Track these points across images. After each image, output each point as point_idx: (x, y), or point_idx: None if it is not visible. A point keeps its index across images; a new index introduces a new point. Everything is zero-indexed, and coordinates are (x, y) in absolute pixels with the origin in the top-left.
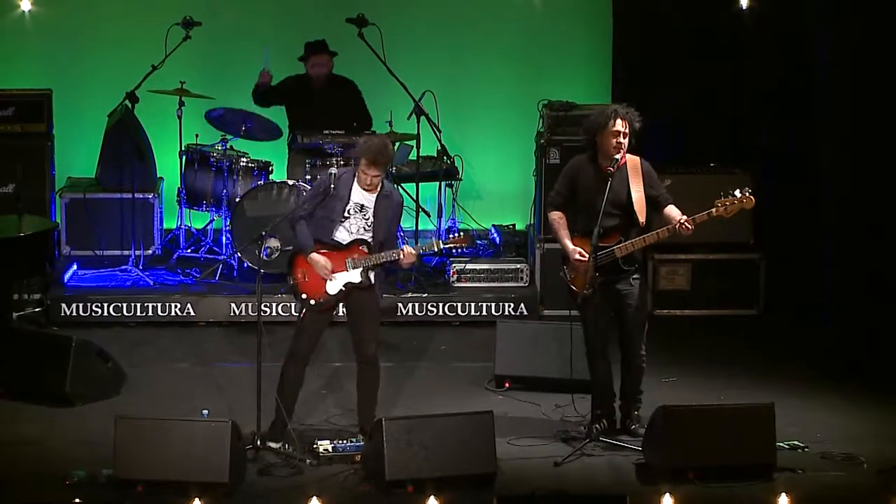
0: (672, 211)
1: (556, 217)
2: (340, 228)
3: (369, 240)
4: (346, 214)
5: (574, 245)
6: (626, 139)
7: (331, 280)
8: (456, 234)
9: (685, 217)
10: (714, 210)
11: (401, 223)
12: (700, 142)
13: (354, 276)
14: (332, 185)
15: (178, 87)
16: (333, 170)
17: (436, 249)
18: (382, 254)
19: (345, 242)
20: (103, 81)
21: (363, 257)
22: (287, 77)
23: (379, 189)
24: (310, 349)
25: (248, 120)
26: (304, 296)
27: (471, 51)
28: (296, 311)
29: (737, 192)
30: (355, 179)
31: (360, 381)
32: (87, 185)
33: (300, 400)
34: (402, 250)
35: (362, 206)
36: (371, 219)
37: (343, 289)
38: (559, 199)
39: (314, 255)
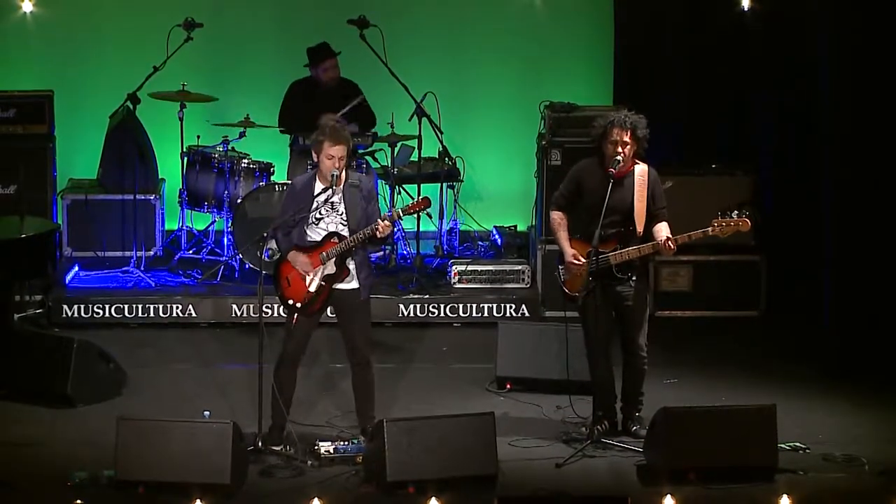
0: (662, 227)
1: (557, 217)
2: (317, 230)
3: (345, 233)
4: (318, 216)
5: (572, 248)
6: (628, 147)
7: (310, 277)
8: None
9: (670, 237)
10: (710, 229)
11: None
12: (700, 142)
13: (330, 267)
14: (296, 193)
15: (180, 88)
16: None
17: (395, 217)
18: (350, 238)
19: (319, 240)
20: (105, 83)
21: (334, 247)
22: (293, 83)
23: (344, 180)
24: (299, 351)
25: None
26: (290, 301)
27: (472, 52)
28: (284, 312)
29: (734, 214)
30: (317, 179)
31: (356, 383)
32: (88, 186)
33: (300, 402)
34: (378, 224)
35: (333, 203)
36: (344, 213)
37: (323, 283)
38: (562, 200)
39: (292, 253)
